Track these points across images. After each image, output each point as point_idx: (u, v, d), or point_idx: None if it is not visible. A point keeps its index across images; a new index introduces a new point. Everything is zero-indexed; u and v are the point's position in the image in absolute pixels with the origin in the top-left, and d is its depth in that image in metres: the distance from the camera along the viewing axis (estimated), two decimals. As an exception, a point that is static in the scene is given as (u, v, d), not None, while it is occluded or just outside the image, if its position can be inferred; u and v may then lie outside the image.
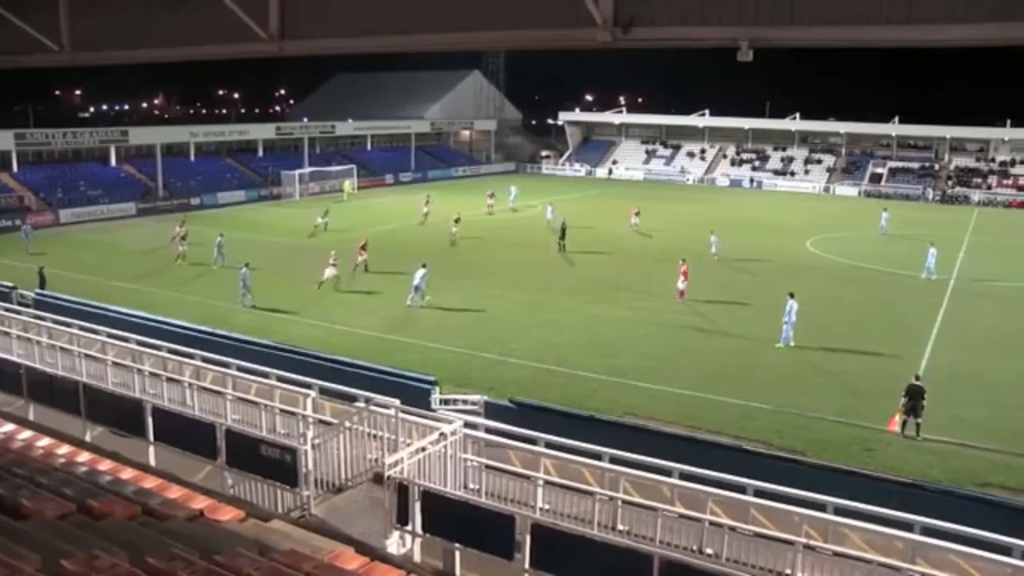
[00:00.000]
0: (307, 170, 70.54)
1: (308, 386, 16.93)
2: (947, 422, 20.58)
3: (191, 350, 20.16)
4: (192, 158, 69.24)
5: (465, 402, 19.32)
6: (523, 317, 30.86)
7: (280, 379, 17.57)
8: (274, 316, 30.05)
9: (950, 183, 79.09)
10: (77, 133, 63.45)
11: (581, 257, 42.78)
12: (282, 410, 15.04)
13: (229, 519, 10.98)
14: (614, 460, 14.24)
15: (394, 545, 12.16)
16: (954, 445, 19.77)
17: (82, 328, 21.32)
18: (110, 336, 20.88)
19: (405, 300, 31.66)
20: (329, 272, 34.13)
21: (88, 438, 15.47)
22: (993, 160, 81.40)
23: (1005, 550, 10.83)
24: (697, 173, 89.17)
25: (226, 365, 18.69)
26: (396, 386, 18.22)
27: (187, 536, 9.56)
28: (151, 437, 14.74)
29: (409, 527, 12.11)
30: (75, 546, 8.56)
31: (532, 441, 15.07)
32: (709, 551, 11.36)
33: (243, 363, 19.21)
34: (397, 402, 13.88)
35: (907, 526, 11.66)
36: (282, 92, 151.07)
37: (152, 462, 14.30)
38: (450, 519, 11.88)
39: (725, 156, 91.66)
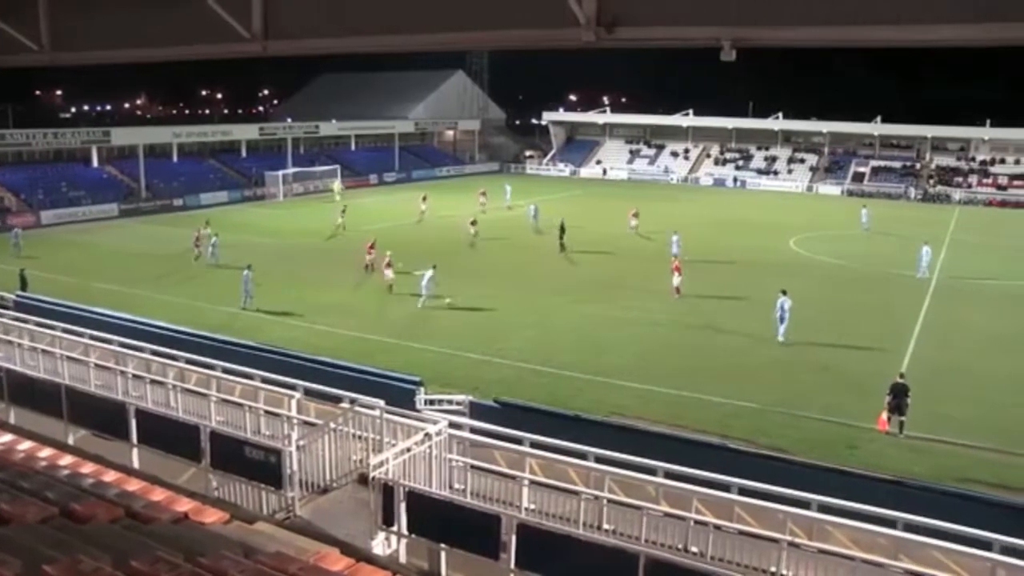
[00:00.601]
0: (291, 170, 70.26)
1: (292, 387, 16.87)
2: (930, 419, 20.72)
3: (175, 352, 20.04)
4: (175, 159, 68.84)
5: (450, 402, 19.30)
6: (512, 317, 30.87)
7: (264, 380, 17.49)
8: (261, 317, 29.91)
9: (931, 182, 79.75)
10: (58, 134, 62.93)
11: (577, 257, 42.88)
12: (266, 411, 14.99)
13: (214, 521, 10.91)
14: (599, 459, 14.26)
15: (379, 546, 12.14)
16: (936, 442, 19.93)
17: (64, 330, 21.14)
18: (93, 338, 20.72)
19: (416, 303, 31.65)
20: (389, 274, 33.86)
21: (71, 441, 15.34)
22: (973, 159, 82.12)
23: (986, 545, 10.93)
24: (681, 173, 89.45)
25: (210, 367, 18.59)
26: (381, 387, 18.16)
27: (171, 539, 9.49)
28: (134, 439, 14.64)
29: (394, 528, 12.08)
30: (57, 550, 8.48)
31: (517, 441, 15.07)
32: (694, 549, 11.39)
33: (227, 364, 19.11)
34: (382, 403, 13.86)
35: (890, 523, 11.73)
36: (266, 92, 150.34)
37: (136, 465, 14.20)
38: (435, 519, 11.86)
39: (709, 156, 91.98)
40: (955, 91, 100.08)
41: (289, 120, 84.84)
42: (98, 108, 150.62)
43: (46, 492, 10.68)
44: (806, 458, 16.83)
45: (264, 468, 13.04)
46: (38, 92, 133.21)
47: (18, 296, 28.86)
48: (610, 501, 12.34)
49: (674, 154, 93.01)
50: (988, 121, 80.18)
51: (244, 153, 74.95)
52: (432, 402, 19.37)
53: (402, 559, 12.18)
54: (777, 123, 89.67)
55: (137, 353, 19.01)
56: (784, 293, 28.33)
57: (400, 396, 18.07)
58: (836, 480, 14.78)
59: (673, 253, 40.06)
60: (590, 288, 35.68)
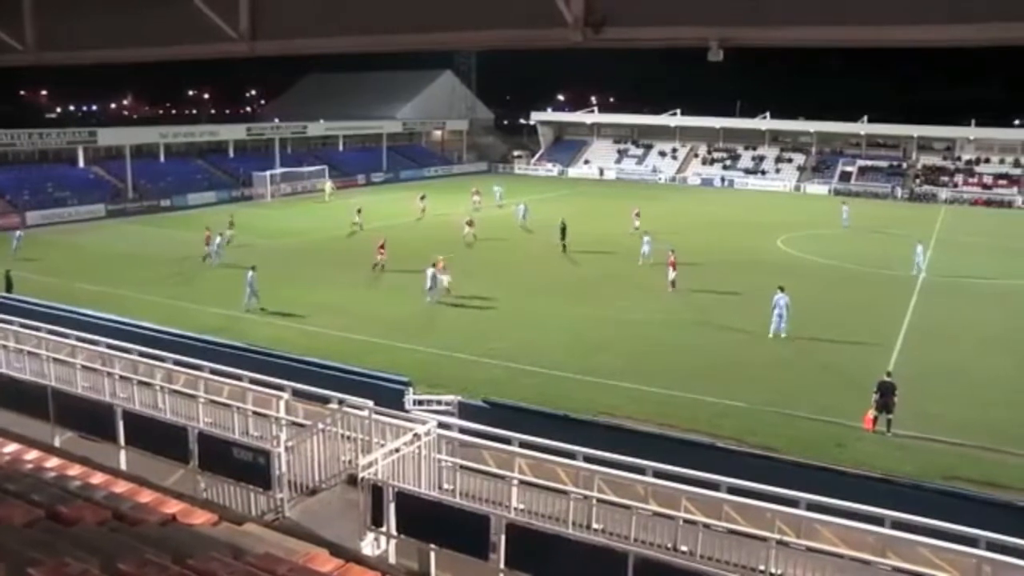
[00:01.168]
0: (279, 171, 70.11)
1: (281, 388, 16.81)
2: (917, 417, 20.85)
3: (162, 353, 19.93)
4: (162, 159, 68.60)
5: (439, 403, 19.26)
6: (503, 316, 30.90)
7: (252, 381, 17.42)
8: (250, 319, 29.81)
9: (918, 181, 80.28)
10: (44, 134, 62.55)
11: (573, 256, 43.13)
12: (255, 412, 14.93)
13: (202, 523, 10.86)
14: (589, 459, 14.26)
15: (369, 546, 12.11)
16: (924, 440, 20.05)
17: (50, 332, 21.00)
18: (79, 339, 20.59)
19: (424, 299, 31.90)
20: (445, 279, 33.56)
21: (57, 443, 15.23)
22: (959, 159, 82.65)
23: (972, 542, 10.99)
24: (669, 172, 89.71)
25: (198, 368, 18.51)
26: (369, 387, 18.11)
27: (159, 540, 9.44)
28: (122, 441, 14.54)
29: (384, 528, 12.06)
30: (44, 553, 8.42)
31: (506, 441, 15.06)
32: (684, 548, 11.42)
33: (215, 365, 19.02)
34: (370, 403, 13.82)
35: (878, 520, 11.79)
36: (253, 92, 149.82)
37: (123, 466, 14.11)
38: (424, 520, 11.84)
39: (696, 155, 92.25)
40: (941, 91, 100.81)
41: (277, 120, 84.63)
42: (84, 108, 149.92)
43: (32, 494, 10.60)
44: (795, 457, 16.89)
45: (252, 469, 12.98)
46: (23, 92, 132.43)
47: (3, 298, 28.65)
48: (599, 501, 12.35)
49: (662, 154, 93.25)
50: (973, 121, 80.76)
51: (232, 153, 74.73)
52: (421, 402, 19.33)
53: (391, 560, 12.15)
54: (764, 123, 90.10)
55: (124, 354, 18.90)
56: (782, 289, 28.91)
57: (389, 396, 18.02)
58: (824, 478, 14.83)
59: (643, 253, 40.29)
60: (582, 287, 35.77)
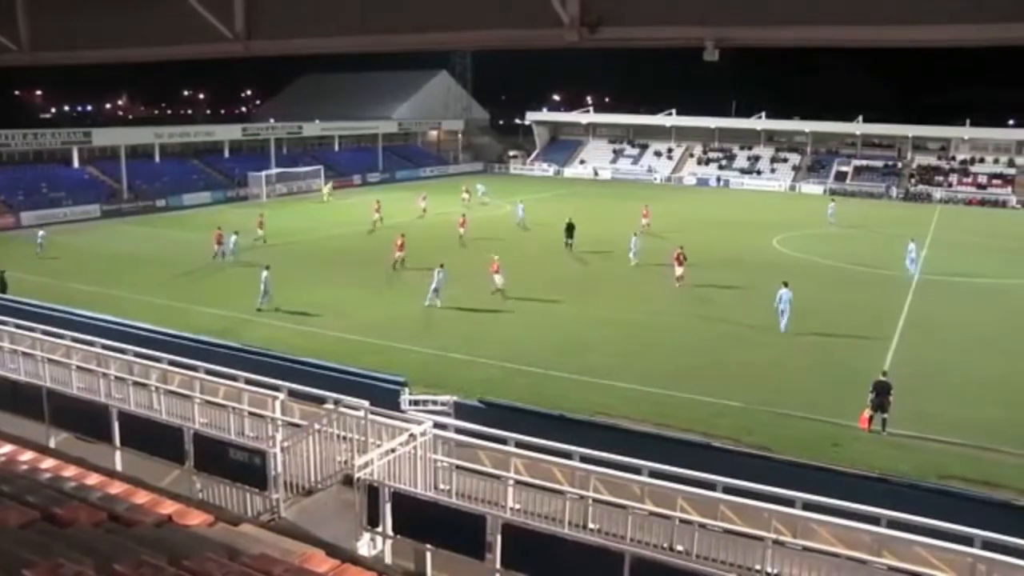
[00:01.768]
0: (274, 171, 70.00)
1: (276, 388, 16.77)
2: (913, 416, 20.89)
3: (158, 353, 19.88)
4: (157, 159, 68.42)
5: (435, 403, 19.24)
6: (499, 316, 30.86)
7: (248, 381, 17.38)
8: (237, 318, 29.76)
9: (913, 181, 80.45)
10: (38, 134, 62.40)
11: (573, 256, 43.18)
12: (250, 413, 14.90)
13: (198, 523, 10.84)
14: (584, 459, 14.25)
15: (365, 547, 12.09)
16: (919, 439, 20.09)
17: (45, 332, 20.93)
18: (74, 340, 20.52)
19: (423, 301, 31.67)
20: (499, 279, 33.45)
21: (52, 444, 15.20)
22: (954, 159, 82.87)
23: (967, 540, 11.01)
24: (664, 172, 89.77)
25: (193, 368, 18.46)
26: (365, 387, 18.08)
27: (155, 542, 9.42)
28: (117, 442, 14.52)
29: (380, 529, 12.05)
30: (39, 555, 8.39)
31: (502, 441, 15.04)
32: (680, 548, 11.42)
33: (210, 366, 18.98)
34: (366, 403, 13.80)
35: (874, 520, 11.80)
36: (248, 92, 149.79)
37: (119, 467, 14.08)
38: (421, 520, 11.83)
39: (692, 155, 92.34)
40: (936, 91, 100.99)
41: (272, 120, 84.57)
42: (79, 108, 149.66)
43: (27, 496, 10.57)
44: (791, 456, 16.90)
45: (248, 470, 12.96)
46: (17, 92, 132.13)
47: (-2, 298, 28.56)
48: (595, 500, 12.34)
49: (657, 154, 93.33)
50: (968, 121, 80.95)
51: (227, 154, 74.62)
52: (417, 403, 19.31)
53: (387, 560, 12.14)
54: (760, 123, 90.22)
55: (119, 355, 18.85)
56: (786, 285, 29.29)
57: (385, 397, 17.99)
58: (820, 478, 14.83)
59: (631, 253, 40.71)
60: (578, 286, 35.76)
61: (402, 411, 17.74)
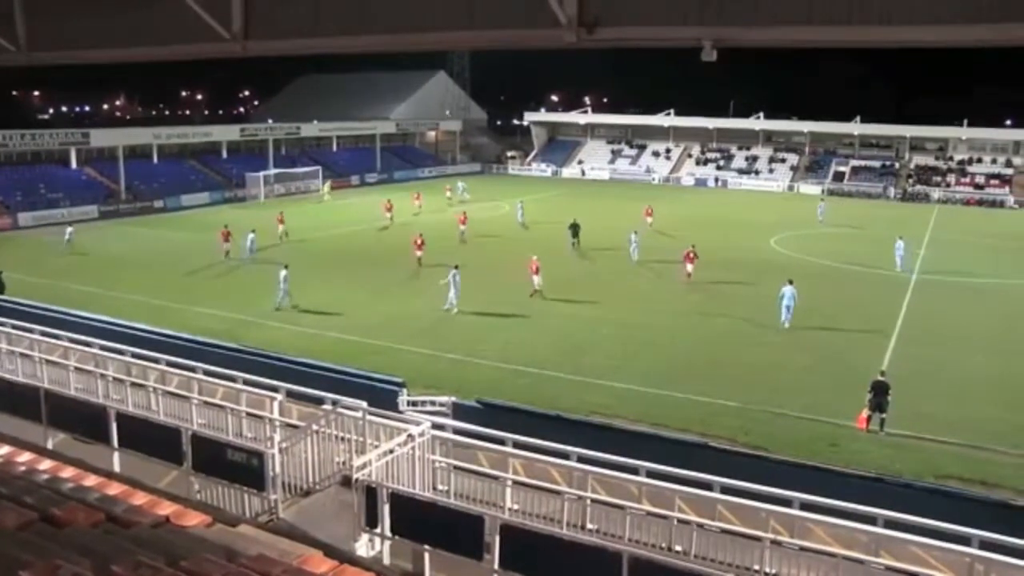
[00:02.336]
0: (272, 171, 70.01)
1: (275, 389, 16.77)
2: (910, 416, 20.90)
3: (156, 354, 19.87)
4: (155, 160, 68.34)
5: (433, 403, 19.25)
6: (496, 316, 30.86)
7: (246, 382, 17.38)
8: (237, 319, 29.75)
9: (911, 181, 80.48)
10: (36, 135, 62.35)
11: (570, 256, 43.27)
12: (248, 414, 14.90)
13: (195, 524, 10.84)
14: (582, 459, 14.27)
15: (363, 548, 12.10)
16: (917, 439, 20.11)
17: (43, 333, 20.92)
18: (72, 341, 20.51)
19: (442, 305, 31.41)
20: (537, 280, 33.33)
21: (50, 445, 15.19)
22: (951, 159, 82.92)
23: (965, 540, 11.03)
24: (662, 172, 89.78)
25: (191, 369, 18.46)
26: (363, 388, 18.10)
27: (152, 543, 9.42)
28: (115, 443, 14.51)
29: (378, 529, 12.05)
30: (36, 556, 8.39)
31: (500, 441, 15.05)
32: (678, 548, 11.43)
33: (208, 367, 18.98)
34: (364, 404, 13.81)
35: (871, 520, 11.82)
36: (246, 93, 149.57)
37: (116, 468, 14.08)
38: (419, 521, 11.84)
39: (690, 155, 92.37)
40: (934, 91, 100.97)
41: (270, 121, 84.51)
42: (76, 109, 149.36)
43: (25, 497, 10.56)
44: (788, 456, 16.93)
45: (246, 470, 12.96)
46: (15, 93, 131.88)
47: (-4, 299, 28.52)
48: (593, 501, 12.35)
49: (655, 154, 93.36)
50: (965, 121, 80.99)
51: (225, 154, 74.52)
52: (415, 403, 19.32)
53: (386, 561, 12.14)
54: (758, 123, 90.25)
55: (117, 356, 18.84)
56: (791, 282, 29.87)
57: (383, 397, 18.01)
58: (817, 478, 14.86)
59: (631, 252, 41.56)
60: (575, 285, 35.68)
61: (400, 412, 17.76)
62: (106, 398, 15.88)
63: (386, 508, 11.94)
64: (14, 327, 21.58)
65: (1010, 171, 78.63)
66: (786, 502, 12.48)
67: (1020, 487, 17.22)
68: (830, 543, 11.44)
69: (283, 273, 31.51)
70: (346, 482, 12.72)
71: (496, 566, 11.18)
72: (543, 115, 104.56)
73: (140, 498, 11.52)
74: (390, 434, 13.38)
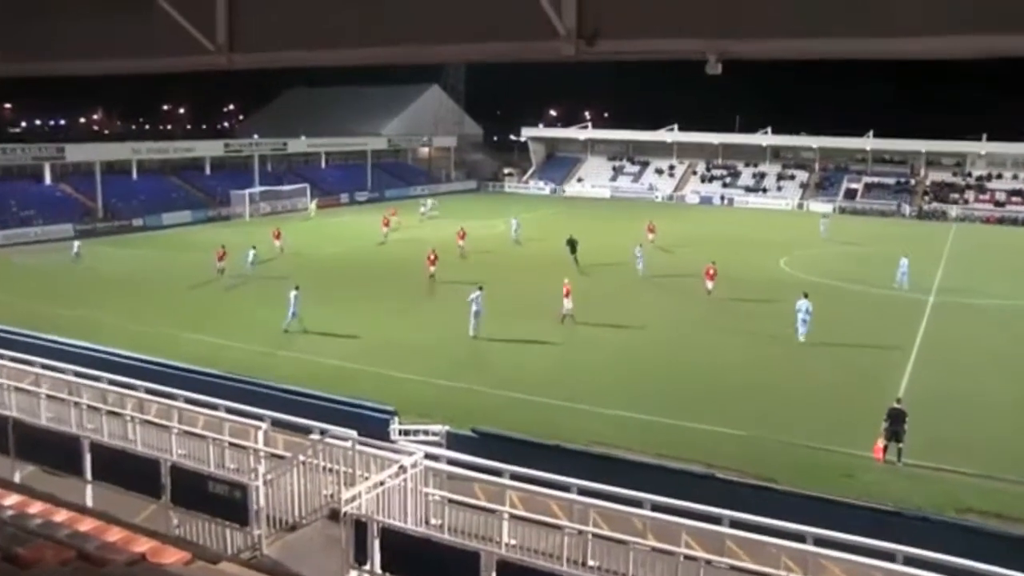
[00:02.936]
0: (257, 189, 70.29)
1: (259, 418, 16.72)
2: (929, 446, 20.80)
3: (134, 381, 19.82)
4: (134, 176, 68.54)
5: (426, 432, 19.20)
6: (490, 339, 30.84)
7: (229, 411, 17.33)
8: (217, 343, 29.65)
9: (927, 198, 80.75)
10: (7, 149, 62.47)
11: (571, 275, 43.03)
12: (231, 444, 14.84)
13: (174, 562, 10.74)
14: (582, 491, 14.22)
15: (351, 586, 12.01)
16: (936, 470, 20.04)
17: (13, 359, 20.86)
18: (44, 367, 20.45)
19: (468, 330, 31.18)
20: (568, 304, 33.10)
21: (17, 479, 15.08)
22: (970, 175, 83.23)
23: (986, 578, 10.99)
24: (666, 190, 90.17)
25: (171, 397, 18.40)
26: (353, 417, 18.07)
27: (127, 581, 9.34)
28: (89, 476, 14.42)
29: (367, 566, 11.96)
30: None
31: (497, 473, 15.00)
32: (684, 585, 11.36)
33: (190, 394, 18.93)
34: (354, 434, 13.78)
35: (889, 556, 11.76)
36: (231, 107, 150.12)
37: (89, 503, 13.99)
38: (411, 557, 11.75)
39: (695, 172, 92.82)
40: (951, 104, 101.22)
41: (256, 136, 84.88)
42: (51, 123, 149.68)
43: (-11, 534, 10.47)
44: (800, 488, 16.87)
45: (229, 504, 12.89)
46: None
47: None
48: (595, 535, 12.29)
49: (659, 171, 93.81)
50: (984, 135, 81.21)
51: (208, 171, 74.83)
52: (407, 432, 19.27)
53: (375, 600, 12.05)
54: (765, 138, 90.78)
55: (93, 383, 18.78)
56: (805, 296, 30.71)
57: (373, 426, 17.98)
58: (831, 511, 14.81)
59: (638, 267, 43.25)
60: (579, 306, 35.56)
61: (392, 441, 17.72)
62: (80, 427, 15.81)
63: (376, 543, 11.85)
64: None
65: (1031, 187, 78.95)
66: (799, 537, 12.43)
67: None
68: (845, 580, 11.38)
69: (293, 293, 31.36)
70: (334, 516, 12.65)
71: (492, 605, 11.10)
72: (541, 131, 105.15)
73: (114, 534, 11.42)
74: (381, 465, 13.33)
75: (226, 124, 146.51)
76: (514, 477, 14.77)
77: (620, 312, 35.65)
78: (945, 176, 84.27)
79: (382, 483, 12.65)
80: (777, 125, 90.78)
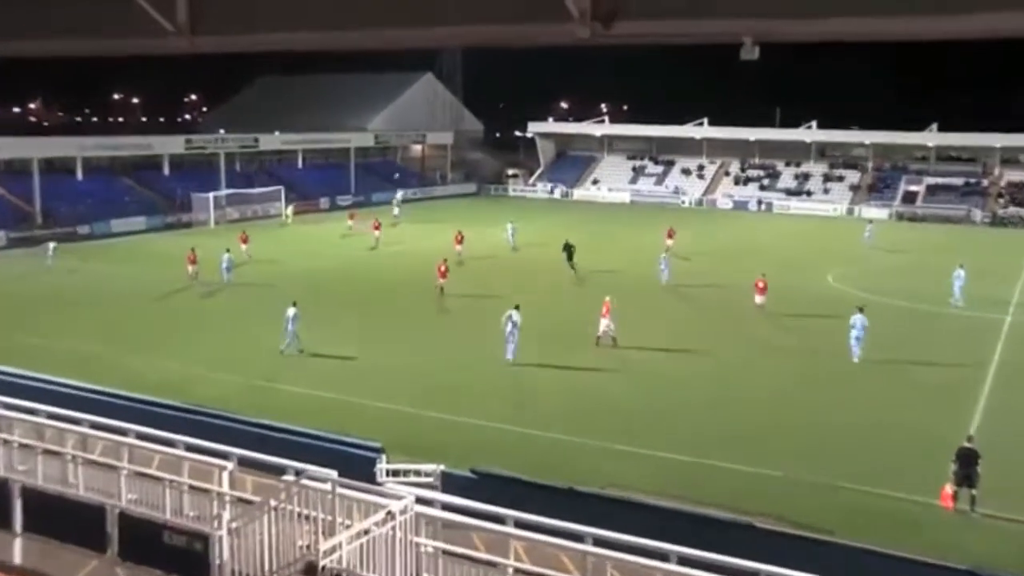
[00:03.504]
0: (224, 192, 70.50)
1: (224, 456, 16.70)
2: (1007, 492, 20.62)
3: (76, 414, 19.79)
4: (79, 176, 68.76)
5: (417, 473, 19.17)
6: (484, 367, 30.88)
7: (189, 448, 17.32)
8: (175, 371, 29.65)
9: (1002, 202, 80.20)
10: (-75, 143, 62.67)
11: (581, 292, 43.55)
12: (191, 487, 14.81)
13: (122, 625, 10.73)
14: (599, 542, 14.18)
15: (330, 652, 11.97)
16: (1016, 522, 19.87)
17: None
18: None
19: (505, 355, 31.19)
20: (606, 324, 33.17)
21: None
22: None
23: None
24: (694, 194, 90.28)
25: (121, 432, 18.38)
26: (333, 454, 18.04)
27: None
28: (18, 527, 14.38)
29: (349, 630, 11.94)
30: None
31: (499, 519, 14.98)
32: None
33: (144, 429, 18.92)
34: (334, 474, 13.74)
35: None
36: (193, 97, 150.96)
37: (17, 559, 13.94)
38: (399, 619, 11.74)
39: (727, 173, 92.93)
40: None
41: (222, 131, 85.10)
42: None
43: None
44: (854, 541, 16.77)
45: (187, 557, 12.86)
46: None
47: None
48: (613, 594, 12.25)
49: (686, 172, 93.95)
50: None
51: (167, 171, 75.22)
52: (396, 473, 19.24)
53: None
54: (810, 133, 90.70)
55: (26, 416, 18.74)
56: (861, 310, 31.28)
57: (357, 466, 17.95)
58: (892, 569, 14.75)
59: (661, 275, 45.22)
60: (584, 328, 35.51)
61: (378, 483, 17.69)
62: (8, 469, 15.75)
63: (359, 603, 11.84)
64: None
65: None
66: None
67: None
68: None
69: (291, 312, 31.66)
70: (310, 570, 12.60)
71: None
72: (550, 125, 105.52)
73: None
74: (365, 511, 13.29)
75: (187, 117, 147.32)
76: (519, 524, 14.74)
77: (651, 330, 35.63)
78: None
79: (366, 532, 12.61)
80: (824, 118, 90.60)
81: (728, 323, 37.87)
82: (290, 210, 70.78)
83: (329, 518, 13.35)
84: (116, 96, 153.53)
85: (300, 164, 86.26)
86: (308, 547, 13.34)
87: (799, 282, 47.02)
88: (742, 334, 36.12)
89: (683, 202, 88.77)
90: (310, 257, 54.23)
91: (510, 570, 12.74)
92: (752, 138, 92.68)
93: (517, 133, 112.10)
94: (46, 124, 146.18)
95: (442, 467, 19.22)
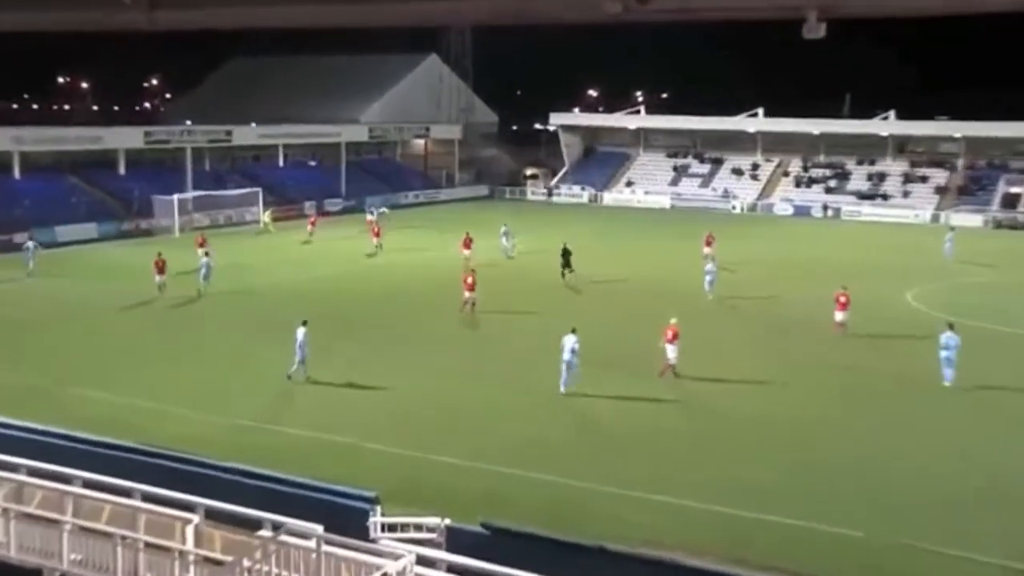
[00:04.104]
0: (191, 194, 70.73)
1: (190, 507, 16.65)
2: None
3: (11, 458, 19.77)
4: (16, 175, 69.12)
5: (418, 527, 19.11)
6: (492, 400, 30.97)
7: (147, 498, 17.27)
8: (134, 406, 29.61)
9: None
10: None
11: (605, 312, 43.59)
12: (149, 544, 14.76)
13: None
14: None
15: None
16: None
17: None
18: None
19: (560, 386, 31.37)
20: (672, 351, 32.91)
21: None
22: None
23: None
24: (747, 198, 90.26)
25: (66, 479, 18.35)
26: (318, 505, 17.99)
27: None
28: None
29: None
30: None
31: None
32: None
33: (92, 476, 18.88)
34: (320, 529, 13.68)
35: None
36: (154, 82, 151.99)
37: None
38: None
39: (787, 174, 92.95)
40: None
41: (188, 123, 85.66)
42: None
43: None
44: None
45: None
46: None
47: None
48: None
49: (737, 172, 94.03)
50: None
51: (122, 169, 75.77)
52: (392, 527, 19.19)
53: None
54: (886, 125, 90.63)
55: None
56: (951, 327, 32.39)
57: (346, 519, 17.90)
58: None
59: (707, 286, 46.87)
60: (608, 351, 35.42)
61: (371, 540, 17.65)
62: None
63: None
64: None
65: None
66: None
67: None
68: None
69: (301, 332, 31.88)
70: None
71: None
72: (576, 117, 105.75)
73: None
74: (356, 572, 13.25)
75: (147, 105, 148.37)
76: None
77: (713, 356, 35.96)
78: None
79: (357, 598, 12.57)
80: (903, 108, 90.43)
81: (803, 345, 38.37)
82: (268, 215, 71.02)
83: (313, 581, 13.32)
84: (61, 80, 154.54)
85: (281, 162, 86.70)
86: (288, 616, 13.30)
87: (873, 301, 46.89)
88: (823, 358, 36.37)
89: (733, 207, 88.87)
90: (310, 266, 55.84)
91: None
92: (816, 131, 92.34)
93: (537, 126, 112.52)
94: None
95: (447, 521, 19.15)
